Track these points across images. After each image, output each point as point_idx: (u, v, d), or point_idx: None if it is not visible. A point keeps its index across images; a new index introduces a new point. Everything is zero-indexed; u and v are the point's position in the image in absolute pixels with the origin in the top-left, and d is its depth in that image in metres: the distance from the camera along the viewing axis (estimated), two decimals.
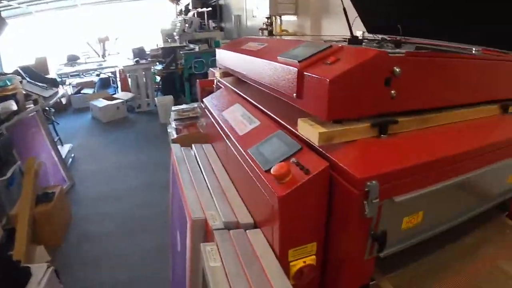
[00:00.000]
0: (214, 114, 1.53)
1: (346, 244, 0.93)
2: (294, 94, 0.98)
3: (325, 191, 0.91)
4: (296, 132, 1.03)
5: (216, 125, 1.49)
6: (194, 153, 1.64)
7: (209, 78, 2.46)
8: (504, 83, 1.30)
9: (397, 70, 0.91)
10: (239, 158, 1.15)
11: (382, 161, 0.88)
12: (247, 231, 1.07)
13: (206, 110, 1.71)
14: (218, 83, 1.94)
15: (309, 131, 0.93)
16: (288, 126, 1.09)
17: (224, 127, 1.34)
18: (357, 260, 0.94)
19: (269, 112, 1.24)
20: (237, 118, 1.35)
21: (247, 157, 1.06)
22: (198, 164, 1.53)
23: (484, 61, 1.19)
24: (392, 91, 0.93)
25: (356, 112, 0.92)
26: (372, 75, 0.90)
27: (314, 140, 0.91)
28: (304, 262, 0.96)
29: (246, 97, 1.48)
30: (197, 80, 2.70)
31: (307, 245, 0.96)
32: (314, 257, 0.97)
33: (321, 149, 0.93)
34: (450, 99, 1.13)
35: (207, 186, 1.34)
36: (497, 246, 1.19)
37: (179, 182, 1.40)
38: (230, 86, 1.74)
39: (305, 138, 0.98)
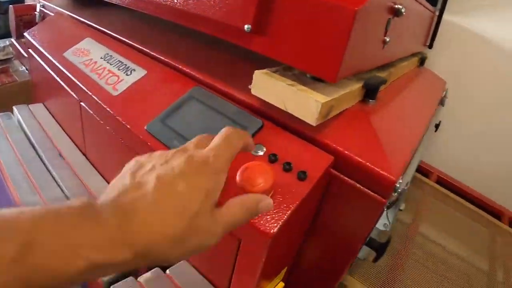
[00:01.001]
0: (50, 56, 0.86)
1: (331, 254, 0.60)
2: (247, 26, 0.51)
3: (319, 198, 0.54)
4: (229, 93, 0.58)
5: (56, 75, 0.83)
6: (19, 121, 0.93)
7: (28, 3, 1.54)
8: (420, 36, 1.19)
9: (402, 10, 0.57)
10: (127, 144, 0.63)
11: (397, 147, 0.56)
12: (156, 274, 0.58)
13: (32, 50, 0.98)
14: (43, 8, 1.17)
15: (290, 97, 0.50)
16: (214, 83, 0.62)
17: (75, 80, 0.73)
18: (341, 269, 0.63)
19: (162, 57, 0.71)
20: (97, 64, 0.75)
21: (149, 143, 0.55)
22: (34, 148, 0.85)
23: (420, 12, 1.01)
24: (387, 38, 0.60)
25: (359, 66, 0.55)
26: (384, 10, 0.53)
27: (306, 114, 0.49)
28: None
29: (107, 30, 0.87)
30: (10, 6, 1.66)
31: (281, 272, 0.59)
32: (282, 283, 0.61)
33: (302, 129, 0.53)
34: (404, 50, 0.90)
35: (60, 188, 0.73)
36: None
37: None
38: (68, 12, 1.04)
39: (262, 108, 0.55)
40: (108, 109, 0.62)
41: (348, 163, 0.50)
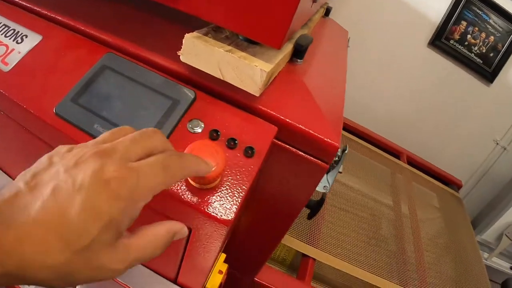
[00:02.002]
0: None
1: (271, 222, 0.61)
2: None
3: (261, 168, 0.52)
4: (151, 60, 0.50)
5: None
6: None
7: None
8: None
9: None
10: (36, 134, 0.50)
11: (332, 109, 0.56)
12: None
13: None
14: None
15: (229, 65, 0.44)
16: (131, 48, 0.52)
17: None
18: (282, 232, 0.64)
19: (59, 17, 0.56)
20: None
21: (63, 131, 0.44)
22: None
23: None
24: None
25: (296, 28, 0.51)
26: None
27: (248, 83, 0.44)
28: (220, 271, 0.57)
29: None
30: None
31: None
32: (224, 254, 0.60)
33: (241, 99, 0.48)
34: (319, 3, 0.89)
35: None
36: None
37: None
38: None
39: (192, 77, 0.48)
40: (1, 90, 0.47)
41: (290, 132, 0.48)
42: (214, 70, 0.45)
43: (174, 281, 0.52)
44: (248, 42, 0.48)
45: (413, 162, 1.19)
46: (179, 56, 0.46)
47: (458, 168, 1.34)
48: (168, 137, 0.43)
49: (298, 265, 0.78)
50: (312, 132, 0.48)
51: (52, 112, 0.45)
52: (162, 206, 0.42)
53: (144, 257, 0.29)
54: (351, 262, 0.76)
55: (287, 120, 0.47)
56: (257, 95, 0.44)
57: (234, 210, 0.40)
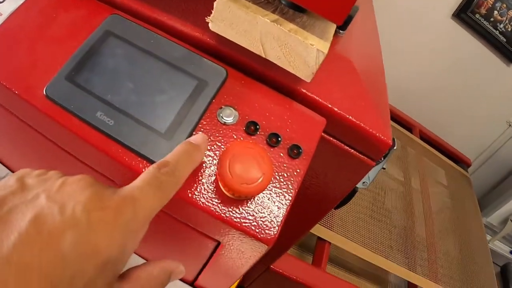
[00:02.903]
0: None
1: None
2: None
3: None
4: (169, 26, 0.39)
5: None
6: None
7: None
8: None
9: None
10: (22, 120, 0.39)
11: (379, 95, 0.48)
12: None
13: None
14: None
15: (274, 39, 0.34)
16: (144, 10, 0.40)
17: None
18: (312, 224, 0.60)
19: None
20: None
21: (55, 118, 0.34)
22: None
23: None
24: None
25: None
26: None
27: (299, 65, 0.35)
28: None
29: None
30: None
31: None
32: None
33: (282, 80, 0.39)
34: None
35: None
36: None
37: None
38: None
39: (221, 49, 0.38)
40: None
41: (338, 124, 0.40)
42: (254, 45, 0.35)
43: (191, 284, 0.46)
44: (293, 9, 0.38)
45: (425, 136, 1.14)
46: (208, 23, 0.35)
47: (467, 146, 1.31)
48: (194, 129, 0.34)
49: (308, 242, 0.75)
50: (363, 125, 0.40)
51: (42, 93, 0.34)
52: (185, 216, 0.34)
53: None
54: (365, 245, 0.73)
55: (337, 110, 0.39)
56: (308, 80, 0.35)
57: (278, 225, 0.33)
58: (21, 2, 0.41)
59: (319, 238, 0.69)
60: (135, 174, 0.32)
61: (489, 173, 1.44)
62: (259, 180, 0.30)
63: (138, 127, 0.33)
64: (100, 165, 0.36)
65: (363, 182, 0.48)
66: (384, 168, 0.47)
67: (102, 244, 0.21)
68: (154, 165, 0.26)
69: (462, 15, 1.18)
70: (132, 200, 0.23)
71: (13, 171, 0.47)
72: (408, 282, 0.75)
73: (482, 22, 1.18)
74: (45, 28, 0.39)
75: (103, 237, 0.21)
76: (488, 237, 1.39)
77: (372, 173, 0.47)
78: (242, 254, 0.37)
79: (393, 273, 0.73)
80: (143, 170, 0.32)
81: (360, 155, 0.43)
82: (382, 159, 0.45)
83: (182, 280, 0.46)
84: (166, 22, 0.40)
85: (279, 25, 0.33)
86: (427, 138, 1.14)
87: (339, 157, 0.43)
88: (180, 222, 0.36)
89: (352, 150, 0.43)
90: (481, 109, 1.31)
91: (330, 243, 0.69)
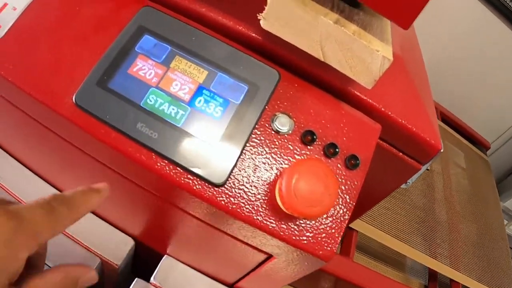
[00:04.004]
0: None
1: None
2: None
3: None
4: (213, 21, 0.36)
5: None
6: None
7: None
8: None
9: None
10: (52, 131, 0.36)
11: (428, 98, 0.45)
12: None
13: None
14: None
15: (336, 42, 0.31)
16: (183, 1, 0.37)
17: None
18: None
19: None
20: None
21: (87, 131, 0.32)
22: None
23: None
24: None
25: None
26: None
27: (361, 71, 0.32)
28: None
29: None
30: None
31: None
32: None
33: (335, 83, 0.36)
34: None
35: None
36: None
37: None
38: None
39: (273, 48, 0.35)
40: None
41: (392, 129, 0.38)
42: (312, 47, 0.32)
43: (230, 286, 0.46)
44: (348, 4, 0.35)
45: (446, 118, 1.11)
46: (258, 19, 0.32)
47: (486, 129, 1.28)
48: (247, 140, 0.32)
49: None
50: (416, 130, 0.38)
51: (70, 102, 0.31)
52: (238, 232, 0.33)
53: None
54: (389, 232, 0.73)
55: (391, 114, 0.37)
56: (370, 87, 0.33)
57: (336, 241, 0.32)
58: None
59: (348, 227, 0.69)
60: (185, 191, 0.31)
61: (507, 157, 1.42)
62: (325, 202, 0.28)
63: (186, 140, 0.31)
64: (144, 181, 0.34)
65: (406, 183, 0.46)
66: (428, 169, 0.45)
67: None
68: (49, 195, 0.24)
69: None
70: (15, 217, 0.21)
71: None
72: (429, 268, 0.77)
73: (510, 5, 1.12)
74: (67, 24, 0.35)
75: None
76: (505, 222, 1.41)
77: (416, 175, 0.45)
78: (294, 267, 0.36)
79: (414, 259, 0.74)
80: (195, 188, 0.30)
81: (408, 158, 0.41)
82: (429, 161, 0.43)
83: (221, 281, 0.46)
84: (207, 15, 0.36)
85: (342, 27, 0.30)
86: (448, 120, 1.12)
87: (387, 159, 0.41)
88: (233, 237, 0.34)
89: (401, 154, 0.41)
90: (502, 91, 1.27)
91: (357, 231, 0.69)
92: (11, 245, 0.20)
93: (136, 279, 0.43)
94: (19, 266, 0.21)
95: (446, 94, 1.21)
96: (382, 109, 0.37)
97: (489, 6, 1.14)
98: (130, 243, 0.45)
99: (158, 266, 0.44)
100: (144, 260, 0.49)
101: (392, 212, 0.80)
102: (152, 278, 0.43)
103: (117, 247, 0.44)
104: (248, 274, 0.41)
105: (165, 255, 0.45)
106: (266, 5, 0.31)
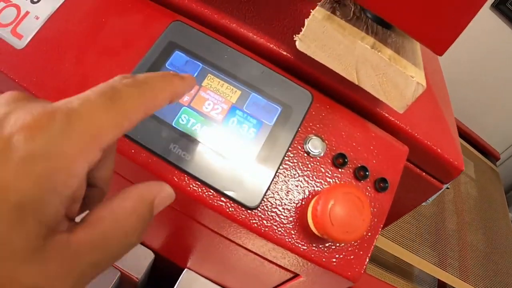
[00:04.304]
0: None
1: None
2: None
3: None
4: (245, 38, 0.35)
5: None
6: None
7: None
8: None
9: None
10: None
11: (451, 122, 0.46)
12: None
13: None
14: None
15: (371, 67, 0.31)
16: (215, 17, 0.36)
17: None
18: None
19: None
20: None
21: (121, 155, 0.32)
22: None
23: None
24: None
25: None
26: None
27: (394, 96, 0.32)
28: None
29: None
30: None
31: None
32: None
33: (364, 104, 0.36)
34: None
35: None
36: None
37: None
38: None
39: (304, 68, 0.35)
40: (13, 78, 0.32)
41: (418, 150, 0.38)
42: (347, 70, 0.32)
43: None
44: (379, 24, 0.35)
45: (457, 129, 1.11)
46: (295, 41, 0.32)
47: (496, 139, 1.29)
48: (281, 163, 0.32)
49: None
50: (440, 151, 0.38)
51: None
52: (267, 252, 0.33)
53: (105, 258, 0.16)
54: (398, 242, 0.74)
55: (417, 136, 0.37)
56: (401, 112, 0.33)
57: (364, 262, 0.32)
58: (60, 3, 0.36)
59: None
60: (220, 215, 0.31)
61: None
62: (360, 230, 0.28)
63: (219, 162, 0.31)
64: (175, 202, 0.34)
65: (426, 201, 0.46)
66: (448, 188, 0.45)
67: (8, 181, 0.13)
68: (116, 76, 0.19)
69: (501, 6, 1.11)
70: (65, 113, 0.15)
71: None
72: (438, 280, 0.77)
73: None
74: (93, 36, 0.35)
75: (10, 172, 0.13)
76: None
77: (437, 193, 0.45)
78: (319, 286, 0.36)
79: (423, 270, 0.74)
80: (228, 211, 0.30)
81: (431, 178, 0.41)
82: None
83: None
84: (238, 31, 0.36)
85: (379, 53, 0.30)
86: (458, 130, 1.11)
87: (410, 179, 0.41)
88: (260, 256, 0.34)
89: (425, 174, 0.41)
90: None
91: None
92: (64, 154, 0.14)
93: None
94: (76, 185, 0.15)
95: (456, 104, 1.21)
96: (409, 130, 0.37)
97: (501, 16, 1.14)
98: (150, 256, 0.45)
99: (179, 280, 0.44)
100: (162, 272, 0.49)
101: (402, 222, 0.80)
102: None
103: (137, 260, 0.44)
104: None
105: (186, 269, 0.45)
106: (303, 27, 0.31)
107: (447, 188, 0.46)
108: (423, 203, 0.47)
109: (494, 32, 1.17)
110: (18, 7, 0.33)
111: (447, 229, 0.86)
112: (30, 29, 0.34)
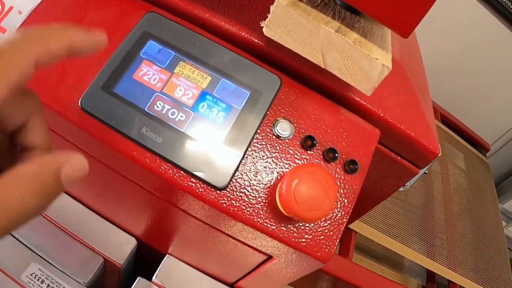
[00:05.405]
0: None
1: None
2: None
3: None
4: (214, 25, 0.36)
5: None
6: None
7: None
8: None
9: None
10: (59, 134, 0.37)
11: (427, 106, 0.46)
12: None
13: None
14: None
15: (337, 51, 0.32)
16: (187, 7, 0.37)
17: None
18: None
19: None
20: None
21: (94, 136, 0.32)
22: None
23: None
24: None
25: None
26: None
27: (361, 78, 0.33)
28: None
29: None
30: None
31: None
32: None
33: (334, 87, 0.37)
34: None
35: None
36: None
37: None
38: None
39: (270, 51, 0.36)
40: None
41: (390, 134, 0.39)
42: (313, 54, 0.33)
43: (231, 285, 0.47)
44: (348, 11, 0.35)
45: (446, 120, 1.12)
46: (262, 27, 0.33)
47: (486, 130, 1.29)
48: (249, 145, 0.33)
49: None
50: (414, 135, 0.38)
51: (76, 106, 0.32)
52: (239, 234, 0.34)
53: (4, 218, 0.17)
54: (386, 232, 0.74)
55: (390, 119, 0.38)
56: (369, 94, 0.33)
57: (334, 243, 0.33)
58: None
59: (347, 228, 0.70)
60: (188, 194, 0.32)
61: (507, 159, 1.43)
62: (325, 207, 0.29)
63: (189, 144, 0.32)
64: (148, 184, 0.35)
65: (404, 186, 0.47)
66: (426, 173, 0.46)
67: None
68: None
69: None
70: None
71: None
72: (427, 269, 0.78)
73: (508, 5, 1.12)
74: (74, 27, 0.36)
75: None
76: (504, 224, 1.42)
77: (414, 178, 0.46)
78: (293, 268, 0.37)
79: (412, 260, 0.75)
80: (198, 191, 0.31)
81: (406, 162, 0.42)
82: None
83: (221, 281, 0.47)
84: (210, 20, 0.37)
85: (343, 36, 0.31)
86: (448, 121, 1.12)
87: (385, 163, 0.42)
88: (233, 238, 0.35)
89: (399, 158, 0.42)
90: (502, 93, 1.28)
91: (356, 232, 0.70)
92: None
93: (138, 278, 0.44)
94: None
95: (446, 95, 1.22)
96: (381, 114, 0.37)
97: (488, 7, 1.14)
98: (132, 242, 0.46)
99: (160, 265, 0.45)
100: (146, 259, 0.50)
101: (391, 212, 0.81)
102: (154, 277, 0.44)
103: (120, 246, 0.45)
104: (248, 274, 0.42)
105: (167, 255, 0.46)
106: (269, 13, 0.32)
107: (425, 173, 0.47)
108: (401, 189, 0.47)
109: (483, 25, 1.18)
110: (2, 3, 0.35)
111: (436, 219, 0.86)
112: (13, 23, 0.35)
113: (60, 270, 0.43)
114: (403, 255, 0.75)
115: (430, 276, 0.81)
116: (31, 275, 0.43)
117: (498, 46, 1.21)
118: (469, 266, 0.84)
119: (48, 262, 0.44)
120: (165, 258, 0.46)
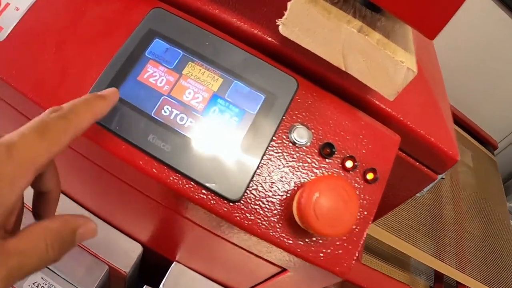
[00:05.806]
0: None
1: None
2: None
3: None
4: (226, 23, 0.34)
5: None
6: None
7: None
8: None
9: None
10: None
11: (446, 111, 0.44)
12: None
13: None
14: None
15: (359, 52, 0.30)
16: (196, 2, 0.35)
17: None
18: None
19: None
20: None
21: (93, 140, 0.30)
22: None
23: None
24: None
25: None
26: None
27: (383, 82, 0.31)
28: None
29: None
30: None
31: None
32: None
33: (353, 91, 0.35)
34: None
35: None
36: None
37: None
38: None
39: (288, 53, 0.33)
40: None
41: (411, 139, 0.36)
42: (334, 56, 0.30)
43: None
44: (368, 9, 0.33)
45: (454, 117, 1.09)
46: (278, 25, 0.30)
47: (494, 128, 1.26)
48: (264, 153, 0.30)
49: None
50: (435, 141, 0.37)
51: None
52: (253, 247, 0.32)
53: (29, 264, 0.20)
54: (395, 232, 0.73)
55: (410, 125, 0.36)
56: (392, 99, 0.31)
57: (353, 256, 0.31)
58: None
59: None
60: (199, 207, 0.30)
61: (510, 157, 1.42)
62: (346, 223, 0.27)
63: (199, 153, 0.30)
64: (155, 194, 0.33)
65: (420, 192, 0.45)
66: (443, 178, 0.44)
67: None
68: (46, 110, 0.23)
69: None
70: (6, 144, 0.19)
71: None
72: (435, 270, 0.77)
73: None
74: (73, 26, 0.33)
75: None
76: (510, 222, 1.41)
77: (431, 184, 0.44)
78: (308, 281, 0.35)
79: (420, 261, 0.74)
80: (210, 204, 0.29)
81: (425, 168, 0.40)
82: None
83: None
84: (221, 17, 0.34)
85: (366, 36, 0.29)
86: (456, 118, 1.10)
87: (403, 169, 0.40)
88: (246, 250, 0.33)
89: (418, 163, 0.40)
90: (510, 90, 1.26)
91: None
92: (3, 177, 0.19)
93: (144, 286, 0.43)
94: (13, 201, 0.19)
95: (454, 92, 1.19)
96: (401, 118, 0.35)
97: (499, 3, 1.11)
98: (138, 249, 0.44)
99: (168, 273, 0.43)
100: (152, 265, 0.48)
101: (399, 212, 0.79)
102: (161, 286, 0.42)
103: (125, 253, 0.44)
104: (259, 283, 0.40)
105: (174, 262, 0.45)
106: (286, 10, 0.29)
107: (442, 178, 0.45)
108: (418, 194, 0.46)
109: (492, 22, 1.15)
110: None
111: (444, 217, 0.85)
112: (10, 21, 0.33)
113: (64, 279, 0.41)
114: (411, 256, 0.74)
115: (438, 276, 0.80)
116: (33, 284, 0.41)
117: (506, 43, 1.18)
118: (477, 266, 0.83)
119: (51, 270, 0.42)
120: (172, 265, 0.44)
